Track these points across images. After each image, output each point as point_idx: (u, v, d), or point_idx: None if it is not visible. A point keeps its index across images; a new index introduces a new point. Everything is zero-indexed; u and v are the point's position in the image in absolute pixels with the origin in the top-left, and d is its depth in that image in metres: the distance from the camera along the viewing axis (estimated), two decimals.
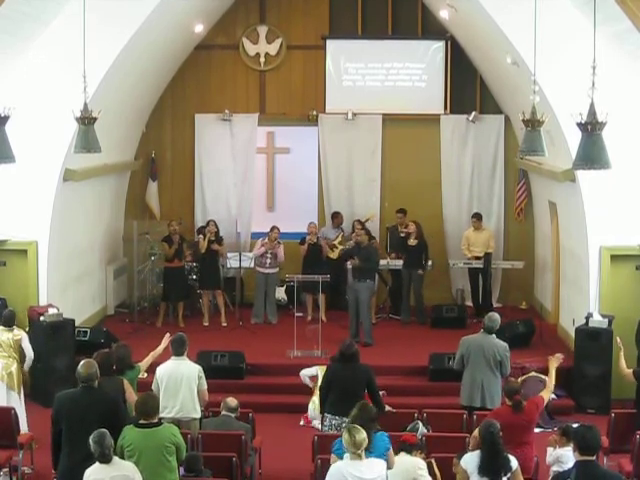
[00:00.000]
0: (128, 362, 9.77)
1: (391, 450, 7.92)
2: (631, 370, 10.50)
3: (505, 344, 10.73)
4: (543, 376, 12.34)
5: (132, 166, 17.52)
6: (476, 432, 8.61)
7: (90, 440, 7.23)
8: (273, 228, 16.20)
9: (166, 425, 8.01)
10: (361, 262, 14.65)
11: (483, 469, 7.46)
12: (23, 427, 11.17)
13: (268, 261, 16.10)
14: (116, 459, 7.28)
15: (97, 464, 7.23)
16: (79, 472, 7.65)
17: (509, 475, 7.53)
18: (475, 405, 10.46)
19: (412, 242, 16.16)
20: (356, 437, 7.13)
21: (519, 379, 12.38)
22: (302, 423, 12.37)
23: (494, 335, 10.64)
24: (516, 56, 13.20)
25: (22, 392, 11.62)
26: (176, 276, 16.01)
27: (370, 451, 7.54)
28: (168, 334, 10.48)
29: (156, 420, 7.91)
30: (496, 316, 10.78)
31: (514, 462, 7.61)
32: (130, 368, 9.76)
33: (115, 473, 7.24)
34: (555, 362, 9.60)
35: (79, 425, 7.88)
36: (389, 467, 7.78)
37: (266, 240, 16.16)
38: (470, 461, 7.58)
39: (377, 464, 7.25)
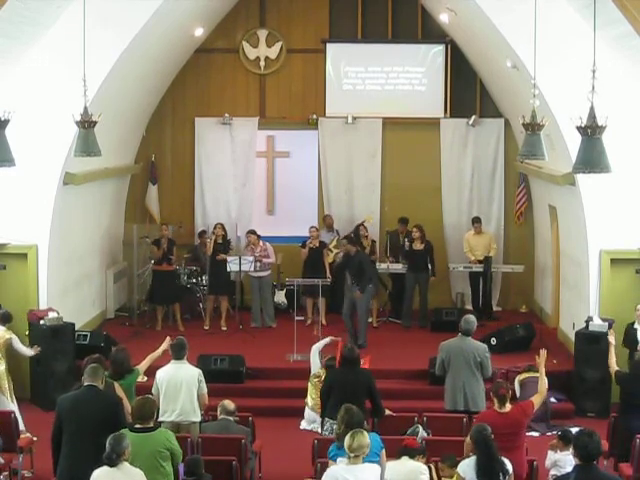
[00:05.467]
0: (127, 366, 9.78)
1: (384, 451, 7.92)
2: (615, 370, 10.40)
3: (484, 345, 10.75)
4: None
5: (132, 170, 17.53)
6: (468, 439, 8.62)
7: (107, 440, 7.19)
8: (247, 233, 16.25)
9: (161, 430, 7.99)
10: (356, 272, 14.65)
11: (481, 474, 7.44)
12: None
13: (258, 264, 16.07)
14: (126, 464, 7.19)
15: (105, 467, 7.18)
16: (78, 473, 7.67)
17: (507, 478, 7.52)
18: (459, 409, 10.47)
19: (418, 246, 16.16)
20: (361, 441, 7.10)
21: (516, 379, 12.38)
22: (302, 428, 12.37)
23: (471, 337, 10.65)
24: (516, 60, 13.21)
25: (12, 393, 11.62)
26: (163, 279, 15.99)
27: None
28: (169, 338, 10.49)
29: (152, 424, 7.90)
30: (472, 318, 10.80)
31: (509, 465, 7.60)
32: (129, 372, 9.77)
33: (121, 479, 7.15)
34: (542, 360, 9.48)
35: (79, 426, 7.89)
36: (382, 467, 7.78)
37: (247, 244, 16.20)
38: (468, 469, 7.55)
39: (372, 469, 7.20)
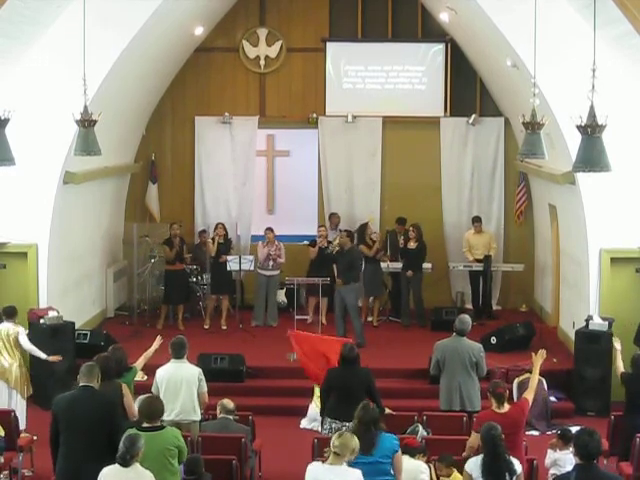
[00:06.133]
0: (125, 364, 9.78)
1: (399, 453, 7.86)
2: (621, 371, 10.41)
3: (479, 345, 10.78)
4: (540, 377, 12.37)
5: (132, 169, 17.53)
6: (472, 438, 8.62)
7: (121, 440, 7.20)
8: (267, 230, 16.25)
9: (169, 428, 8.01)
10: (345, 266, 14.68)
11: (486, 472, 7.44)
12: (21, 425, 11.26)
13: (271, 263, 16.11)
14: (137, 465, 7.19)
15: (116, 465, 7.18)
16: (76, 472, 7.68)
17: (514, 479, 7.51)
18: (454, 409, 10.49)
19: (412, 245, 16.17)
20: (345, 442, 7.08)
21: (515, 381, 12.38)
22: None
23: (466, 337, 10.66)
24: (516, 59, 13.21)
25: (25, 391, 11.61)
26: (177, 279, 16.03)
27: (372, 453, 7.56)
28: (160, 336, 10.57)
29: (159, 423, 7.92)
30: (467, 318, 10.79)
31: (518, 466, 7.58)
32: (127, 370, 9.78)
33: (133, 479, 7.17)
34: (540, 359, 9.48)
35: (75, 426, 7.90)
36: (396, 471, 7.75)
37: (266, 242, 16.19)
38: (475, 467, 7.56)
39: (352, 474, 7.15)
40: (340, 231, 16.91)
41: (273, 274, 16.25)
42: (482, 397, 10.62)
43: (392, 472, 7.78)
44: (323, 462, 7.24)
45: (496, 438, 7.49)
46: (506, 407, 8.66)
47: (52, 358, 11.91)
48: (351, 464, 7.17)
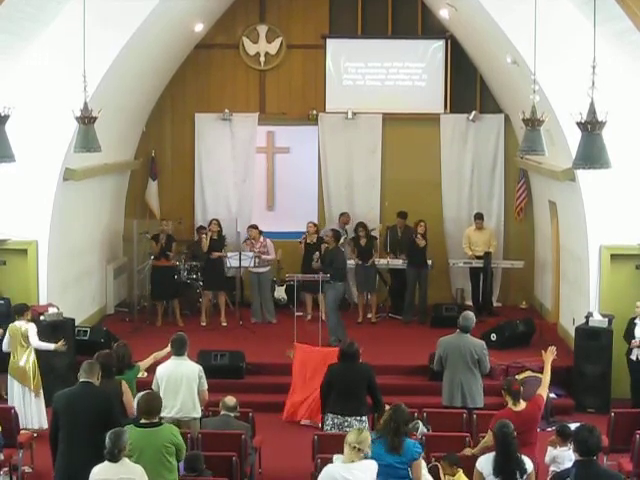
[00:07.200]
0: (128, 361, 9.79)
1: (418, 461, 7.80)
2: None
3: (482, 342, 10.80)
4: (540, 375, 12.36)
5: (132, 165, 17.53)
6: (488, 437, 8.61)
7: (107, 436, 7.21)
8: (249, 227, 16.31)
9: (166, 425, 8.02)
10: (326, 265, 14.77)
11: (497, 470, 7.44)
12: (42, 424, 11.35)
13: (257, 260, 16.07)
14: (125, 460, 7.22)
15: (106, 462, 7.20)
16: (75, 468, 7.69)
17: (525, 477, 7.50)
18: (456, 405, 10.50)
19: (421, 242, 16.16)
20: (367, 437, 7.10)
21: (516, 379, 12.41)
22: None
23: (469, 334, 10.67)
24: (516, 55, 13.19)
25: (40, 390, 11.59)
26: (162, 275, 15.97)
27: (399, 454, 7.62)
28: None
29: (157, 420, 7.93)
30: (470, 315, 10.81)
31: (529, 464, 7.56)
32: (129, 367, 9.79)
33: (122, 474, 7.17)
34: (550, 356, 9.50)
35: (74, 422, 7.92)
36: (414, 478, 7.74)
37: (245, 239, 16.22)
38: (485, 464, 7.57)
39: (369, 466, 7.16)
40: (346, 232, 16.93)
41: (261, 271, 16.23)
42: (485, 394, 10.65)
43: (411, 477, 7.76)
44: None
45: (508, 436, 7.49)
46: (522, 404, 8.70)
47: (57, 346, 11.70)
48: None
